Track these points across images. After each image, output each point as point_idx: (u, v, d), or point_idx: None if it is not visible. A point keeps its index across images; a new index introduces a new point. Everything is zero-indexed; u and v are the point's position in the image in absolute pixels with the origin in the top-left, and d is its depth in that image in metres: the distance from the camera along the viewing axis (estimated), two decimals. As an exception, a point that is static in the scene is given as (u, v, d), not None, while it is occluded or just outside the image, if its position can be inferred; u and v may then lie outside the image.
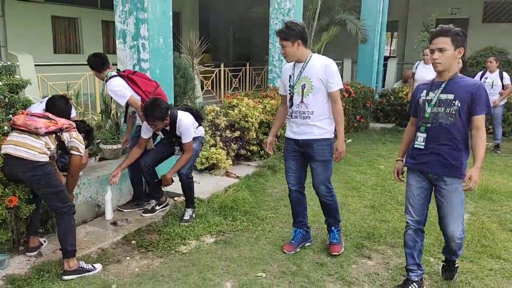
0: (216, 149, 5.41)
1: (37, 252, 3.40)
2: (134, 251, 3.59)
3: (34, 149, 2.93)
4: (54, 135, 3.06)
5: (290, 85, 3.38)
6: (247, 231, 4.00)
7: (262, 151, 6.38)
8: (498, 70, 7.53)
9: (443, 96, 2.74)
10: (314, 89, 3.28)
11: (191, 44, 7.64)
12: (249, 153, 6.23)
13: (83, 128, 3.54)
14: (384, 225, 4.19)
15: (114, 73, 4.23)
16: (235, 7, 14.97)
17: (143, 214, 4.25)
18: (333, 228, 3.66)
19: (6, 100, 3.61)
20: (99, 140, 4.82)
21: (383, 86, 12.59)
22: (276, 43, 8.02)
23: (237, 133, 5.87)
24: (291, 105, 3.39)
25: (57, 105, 3.47)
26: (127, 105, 4.21)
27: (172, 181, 4.14)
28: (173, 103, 4.86)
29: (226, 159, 5.47)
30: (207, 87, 9.90)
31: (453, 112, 2.69)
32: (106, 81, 4.21)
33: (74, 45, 11.31)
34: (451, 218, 2.82)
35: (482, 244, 3.76)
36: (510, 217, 4.43)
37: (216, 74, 10.35)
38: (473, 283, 3.15)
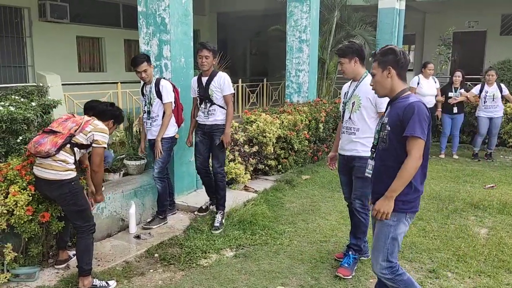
0: (235, 164, 5.54)
1: (65, 265, 3.56)
2: (157, 264, 3.72)
3: (56, 169, 3.04)
4: (68, 146, 3.09)
5: (343, 101, 3.62)
6: (266, 245, 4.09)
7: (280, 166, 6.49)
8: (495, 82, 7.65)
9: (384, 120, 2.61)
10: (361, 107, 3.45)
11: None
12: (267, 168, 6.35)
13: (111, 112, 3.47)
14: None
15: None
16: (252, 23, 15.26)
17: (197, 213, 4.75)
18: (350, 253, 3.64)
19: (39, 119, 3.82)
20: (123, 156, 5.01)
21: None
22: (294, 59, 8.20)
23: (255, 148, 6.00)
24: (342, 120, 3.63)
25: (94, 107, 3.44)
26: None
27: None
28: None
29: (245, 173, 5.60)
30: (225, 103, 10.10)
31: (385, 137, 2.53)
32: (154, 82, 4.46)
33: (98, 63, 11.71)
34: (373, 250, 2.65)
35: (500, 259, 3.77)
36: (530, 232, 4.42)
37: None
38: (491, 298, 3.17)
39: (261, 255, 3.89)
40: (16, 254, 3.26)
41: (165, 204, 4.58)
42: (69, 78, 7.89)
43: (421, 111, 2.38)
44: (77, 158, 3.19)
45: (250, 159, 5.95)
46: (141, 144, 4.76)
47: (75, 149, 3.13)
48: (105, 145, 3.21)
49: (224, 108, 4.59)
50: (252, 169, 6.04)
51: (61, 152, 3.07)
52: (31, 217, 3.15)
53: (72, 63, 10.41)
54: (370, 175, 2.69)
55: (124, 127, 5.43)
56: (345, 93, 3.64)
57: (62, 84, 7.28)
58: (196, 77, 4.62)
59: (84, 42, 10.99)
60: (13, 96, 3.74)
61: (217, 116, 4.55)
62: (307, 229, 4.48)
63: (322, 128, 7.24)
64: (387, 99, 2.69)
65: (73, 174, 3.13)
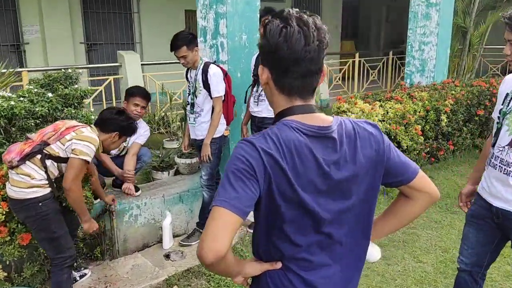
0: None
1: (69, 288, 3.03)
2: (171, 302, 2.95)
3: (18, 185, 2.43)
4: (39, 157, 2.45)
5: (501, 109, 2.06)
6: None
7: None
8: None
9: None
10: None
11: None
12: (362, 170, 5.06)
13: (116, 122, 2.76)
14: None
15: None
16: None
17: None
18: None
19: (61, 115, 3.28)
20: (170, 152, 4.33)
21: None
22: (418, 29, 6.49)
23: (344, 147, 4.76)
24: (494, 142, 2.07)
25: (102, 115, 2.86)
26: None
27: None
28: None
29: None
30: (336, 81, 8.80)
31: None
32: (201, 68, 3.52)
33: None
34: None
35: None
36: None
37: (349, 65, 9.14)
38: None
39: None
40: (6, 274, 2.81)
41: None
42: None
43: None
44: (53, 173, 2.53)
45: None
46: (184, 140, 3.94)
47: (49, 162, 2.47)
48: (86, 158, 2.46)
49: None
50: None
51: (26, 163, 2.43)
52: (8, 238, 2.63)
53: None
54: None
55: (180, 118, 4.73)
56: (508, 95, 2.05)
57: (155, 63, 6.98)
58: (257, 53, 3.60)
59: (193, 16, 10.65)
60: (29, 87, 3.26)
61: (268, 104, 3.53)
62: (384, 276, 3.21)
63: (446, 120, 5.53)
64: None
65: (42, 192, 2.46)
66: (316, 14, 1.22)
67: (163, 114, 5.56)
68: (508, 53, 2.01)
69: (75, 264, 3.19)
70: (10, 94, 3.07)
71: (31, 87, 3.26)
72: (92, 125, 2.72)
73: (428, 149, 5.49)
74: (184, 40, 3.46)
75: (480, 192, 2.18)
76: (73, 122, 2.59)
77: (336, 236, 1.25)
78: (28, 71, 5.79)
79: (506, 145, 1.99)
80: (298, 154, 1.15)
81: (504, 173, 1.99)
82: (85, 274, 3.15)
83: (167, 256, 3.50)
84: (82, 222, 2.66)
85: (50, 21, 7.65)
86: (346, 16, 14.39)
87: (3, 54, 7.57)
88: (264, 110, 3.66)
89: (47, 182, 2.48)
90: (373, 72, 9.56)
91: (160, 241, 3.76)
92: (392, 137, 5.06)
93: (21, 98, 3.11)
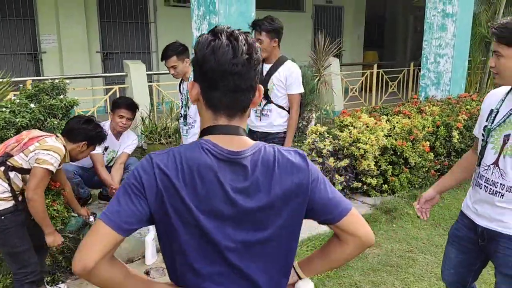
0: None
1: (41, 302, 2.97)
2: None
3: None
4: (2, 169, 2.39)
5: (485, 126, 1.96)
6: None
7: (386, 185, 4.89)
8: None
9: None
10: None
11: (319, 46, 6.48)
12: (365, 187, 4.84)
13: (85, 132, 2.71)
14: None
15: None
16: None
17: None
18: None
19: (46, 124, 3.27)
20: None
21: None
22: (433, 40, 6.24)
23: (344, 162, 4.57)
24: (479, 162, 1.97)
25: (69, 125, 2.80)
26: None
27: None
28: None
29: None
30: (353, 93, 8.57)
31: None
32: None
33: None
34: None
35: None
36: None
37: (366, 77, 8.90)
38: None
39: None
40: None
41: None
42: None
43: None
44: (17, 185, 2.47)
45: (337, 175, 4.56)
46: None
47: (13, 173, 2.43)
48: (49, 167, 2.40)
49: (284, 110, 3.42)
50: (340, 188, 4.64)
51: None
52: (-26, 250, 2.60)
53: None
54: None
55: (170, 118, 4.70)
56: (493, 111, 1.93)
57: (162, 73, 6.97)
58: None
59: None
60: (12, 98, 3.26)
61: (273, 119, 3.41)
62: (372, 303, 3.00)
63: (459, 137, 5.23)
64: None
65: (4, 205, 2.41)
66: (249, 33, 1.15)
67: (165, 124, 5.53)
68: (493, 65, 1.85)
69: (50, 277, 3.15)
70: (-10, 105, 3.07)
71: (14, 97, 3.25)
72: (59, 135, 2.66)
73: (438, 167, 5.20)
74: (175, 50, 3.44)
75: (465, 211, 2.07)
76: (37, 132, 2.55)
77: (246, 270, 1.14)
78: (44, 79, 5.89)
79: (491, 164, 1.88)
80: (200, 177, 1.08)
81: (490, 193, 1.88)
82: (59, 289, 3.09)
83: (147, 273, 3.40)
84: (46, 235, 2.56)
85: (67, 30, 7.82)
86: (371, 26, 14.13)
87: (21, 62, 7.78)
88: (267, 125, 3.47)
89: (10, 194, 2.44)
90: (393, 84, 9.27)
91: (143, 256, 3.68)
92: (399, 153, 4.83)
93: (3, 109, 3.11)
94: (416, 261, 3.57)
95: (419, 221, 4.34)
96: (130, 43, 8.81)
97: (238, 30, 1.14)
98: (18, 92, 3.52)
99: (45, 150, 2.42)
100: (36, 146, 2.44)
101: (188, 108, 3.55)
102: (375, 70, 8.84)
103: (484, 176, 1.90)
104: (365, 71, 9.15)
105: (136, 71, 5.97)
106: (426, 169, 5.07)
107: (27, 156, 2.43)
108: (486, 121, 1.94)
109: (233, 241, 1.12)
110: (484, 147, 1.92)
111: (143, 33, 8.96)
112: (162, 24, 8.99)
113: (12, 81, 4.77)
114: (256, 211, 1.11)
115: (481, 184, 1.92)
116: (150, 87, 6.28)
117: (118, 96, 5.86)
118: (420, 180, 5.05)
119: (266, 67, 3.43)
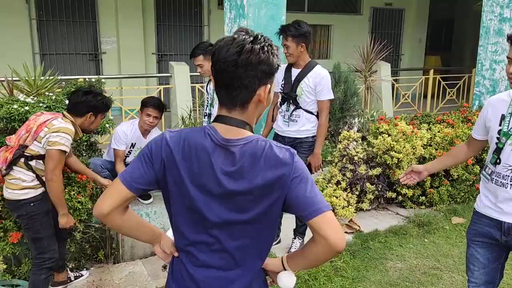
0: (334, 190, 4.16)
1: (63, 287, 3.18)
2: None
3: (11, 187, 2.59)
4: (22, 160, 2.56)
5: (503, 130, 2.04)
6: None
7: (423, 197, 4.65)
8: None
9: None
10: None
11: (367, 49, 6.29)
12: (400, 197, 4.64)
13: (86, 103, 2.70)
14: None
15: None
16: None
17: None
18: None
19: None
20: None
21: None
22: (489, 46, 5.85)
23: (376, 170, 4.41)
24: (496, 161, 2.07)
25: (71, 100, 2.81)
26: None
27: None
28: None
29: (346, 206, 4.14)
30: (405, 99, 8.22)
31: None
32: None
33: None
34: None
35: None
36: None
37: (421, 83, 8.51)
38: None
39: None
40: (5, 266, 3.04)
41: None
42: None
43: None
44: (41, 169, 2.62)
45: (368, 184, 4.41)
46: None
47: (34, 162, 2.61)
48: (62, 148, 2.51)
49: (313, 115, 3.40)
50: (372, 197, 4.49)
51: (14, 168, 2.59)
52: (2, 234, 2.85)
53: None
54: None
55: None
56: (505, 116, 2.04)
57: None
58: (286, 65, 3.48)
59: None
60: (50, 94, 3.51)
61: (302, 124, 3.40)
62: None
63: (510, 149, 4.83)
64: None
65: (33, 193, 2.61)
66: (275, 45, 1.27)
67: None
68: (511, 72, 1.97)
69: (75, 264, 3.36)
70: (29, 100, 3.32)
71: (51, 94, 3.51)
72: (65, 113, 2.71)
73: (484, 181, 4.85)
74: (202, 49, 3.52)
75: (484, 211, 2.15)
76: (43, 117, 2.63)
77: (225, 244, 1.30)
78: (104, 78, 6.29)
79: (505, 164, 2.03)
80: (197, 156, 1.26)
81: (505, 187, 2.04)
82: (82, 275, 3.29)
83: (164, 267, 3.53)
84: (60, 216, 2.69)
85: (125, 33, 8.26)
86: (437, 29, 13.46)
87: (83, 62, 8.35)
88: (296, 131, 3.45)
89: (38, 182, 2.63)
90: (451, 91, 8.75)
91: (168, 250, 3.80)
92: (438, 164, 4.56)
93: (40, 104, 3.37)
94: (441, 279, 3.37)
95: (454, 237, 4.09)
96: (184, 45, 9.12)
97: (268, 39, 1.25)
98: (59, 90, 3.78)
99: (54, 133, 2.52)
100: (45, 131, 2.56)
101: (213, 107, 3.62)
102: (431, 76, 8.41)
103: (509, 176, 2.02)
104: (423, 76, 8.73)
105: (180, 72, 6.18)
106: (470, 182, 4.75)
107: (40, 143, 2.57)
108: (500, 125, 2.05)
109: (218, 217, 1.27)
110: (501, 149, 2.03)
111: (196, 35, 9.23)
112: (215, 27, 9.20)
113: (66, 79, 5.13)
114: (237, 194, 1.25)
115: (506, 184, 2.02)
116: (194, 88, 6.46)
117: (163, 96, 6.11)
118: (463, 194, 4.74)
119: (295, 72, 3.40)
